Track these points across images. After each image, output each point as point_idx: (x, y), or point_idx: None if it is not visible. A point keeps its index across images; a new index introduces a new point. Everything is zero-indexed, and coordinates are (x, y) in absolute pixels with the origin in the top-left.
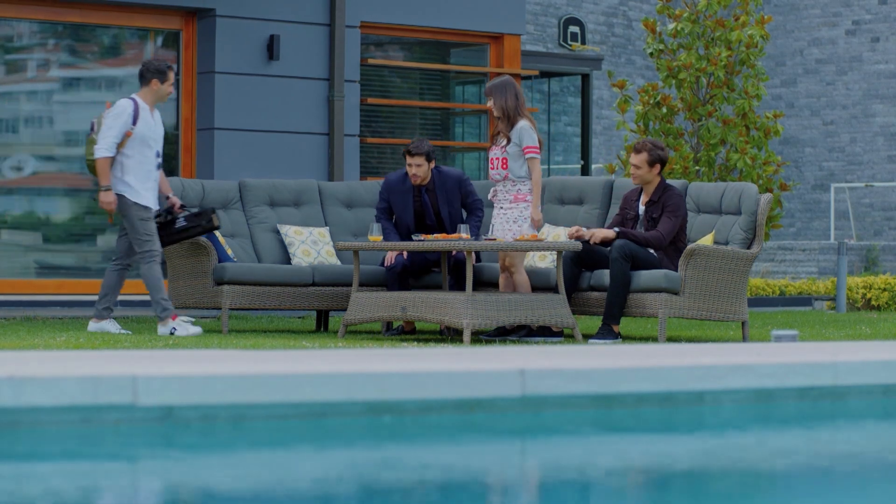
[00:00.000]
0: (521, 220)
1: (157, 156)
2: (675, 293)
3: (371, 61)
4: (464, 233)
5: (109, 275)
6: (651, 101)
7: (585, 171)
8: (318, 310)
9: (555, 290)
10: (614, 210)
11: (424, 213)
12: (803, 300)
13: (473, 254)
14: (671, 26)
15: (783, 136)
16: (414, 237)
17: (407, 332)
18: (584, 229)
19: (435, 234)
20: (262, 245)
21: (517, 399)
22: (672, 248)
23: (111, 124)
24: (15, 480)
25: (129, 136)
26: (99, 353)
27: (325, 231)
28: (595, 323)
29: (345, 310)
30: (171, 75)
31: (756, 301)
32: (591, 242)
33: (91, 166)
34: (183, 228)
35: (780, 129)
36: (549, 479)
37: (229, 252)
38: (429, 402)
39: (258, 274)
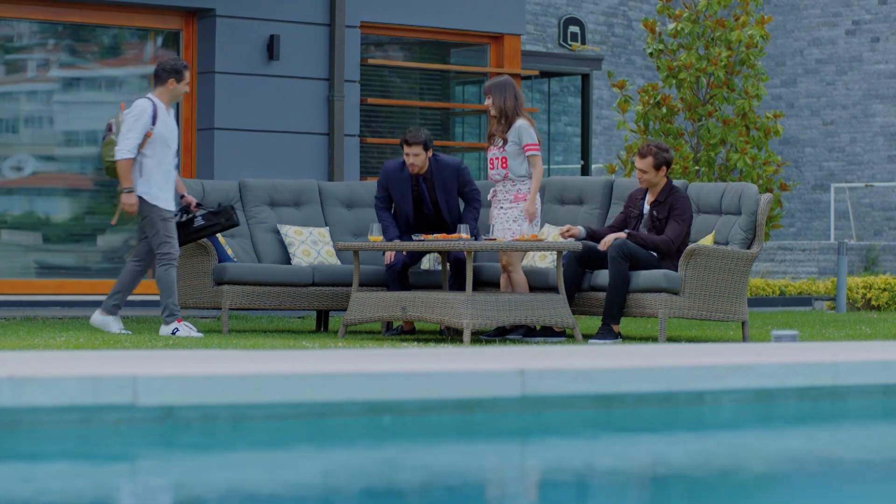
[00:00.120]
0: (521, 219)
1: (175, 155)
2: (675, 293)
3: (371, 61)
4: (464, 233)
5: (127, 273)
6: (651, 101)
7: (585, 171)
8: (318, 310)
9: (555, 289)
10: (615, 210)
11: (422, 201)
12: (803, 300)
13: (473, 252)
14: (671, 26)
15: (783, 136)
16: (414, 237)
17: (407, 332)
18: (577, 228)
19: (435, 234)
20: (262, 245)
21: (517, 399)
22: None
23: (132, 125)
24: (15, 480)
25: (148, 137)
26: (99, 353)
27: (325, 231)
28: (596, 323)
29: (345, 310)
30: (188, 74)
31: (756, 301)
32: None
33: (110, 168)
34: (202, 227)
35: (780, 129)
36: (549, 479)
37: (229, 252)
38: (429, 402)
39: (258, 274)
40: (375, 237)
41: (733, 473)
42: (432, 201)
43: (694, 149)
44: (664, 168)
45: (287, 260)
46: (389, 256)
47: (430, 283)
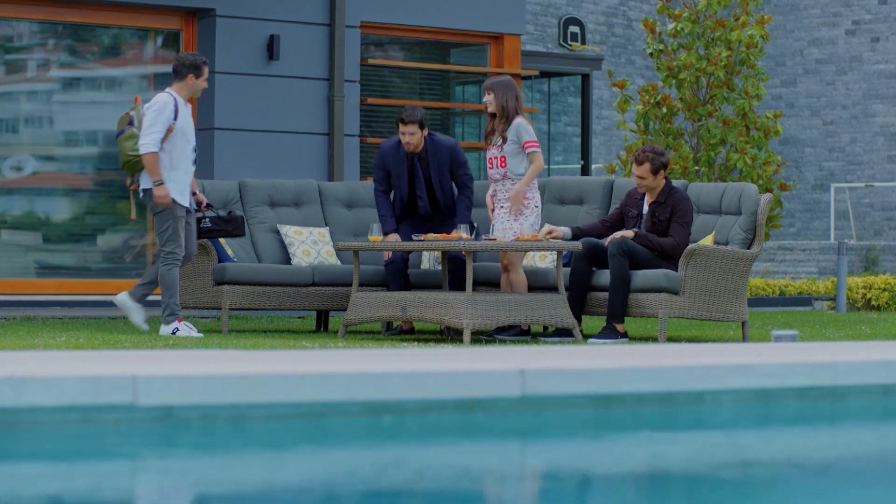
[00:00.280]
0: (521, 219)
1: (194, 150)
2: (675, 293)
3: (371, 61)
4: (463, 232)
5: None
6: (651, 101)
7: (585, 171)
8: (318, 310)
9: (555, 289)
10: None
11: (415, 179)
12: (803, 300)
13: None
14: (671, 26)
15: (783, 136)
16: (414, 237)
17: (406, 331)
18: (560, 230)
19: (435, 234)
20: (262, 245)
21: (517, 399)
22: None
23: (155, 119)
24: (15, 480)
25: (170, 132)
26: (99, 353)
27: (325, 231)
28: (599, 323)
29: (345, 310)
30: (206, 70)
31: (756, 301)
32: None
33: (129, 163)
34: (208, 230)
35: (780, 129)
36: (549, 479)
37: (229, 252)
38: (429, 402)
39: (258, 274)
40: (375, 237)
41: (733, 473)
42: (426, 178)
43: (694, 149)
44: (662, 171)
45: (287, 260)
46: (387, 253)
47: (429, 282)
